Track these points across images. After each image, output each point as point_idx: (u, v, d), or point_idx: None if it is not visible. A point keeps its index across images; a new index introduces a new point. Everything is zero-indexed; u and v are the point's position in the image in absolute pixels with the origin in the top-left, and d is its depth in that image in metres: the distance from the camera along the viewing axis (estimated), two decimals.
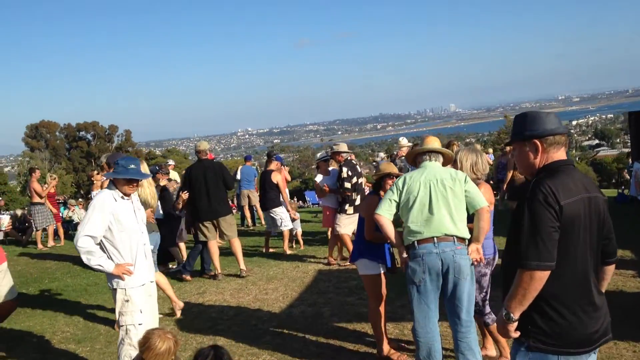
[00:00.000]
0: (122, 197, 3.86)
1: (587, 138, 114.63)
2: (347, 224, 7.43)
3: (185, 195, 7.45)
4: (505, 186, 9.13)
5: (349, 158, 7.82)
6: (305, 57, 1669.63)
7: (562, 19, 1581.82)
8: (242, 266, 7.48)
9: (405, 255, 3.74)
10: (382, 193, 4.33)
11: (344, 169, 7.55)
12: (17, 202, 35.97)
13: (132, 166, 3.81)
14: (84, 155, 59.14)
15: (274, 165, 9.14)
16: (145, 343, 2.79)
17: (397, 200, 3.79)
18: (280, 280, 7.14)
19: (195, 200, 7.37)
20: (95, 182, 9.27)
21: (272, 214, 8.92)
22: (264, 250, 9.30)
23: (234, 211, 16.00)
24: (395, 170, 4.59)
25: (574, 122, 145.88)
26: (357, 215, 7.21)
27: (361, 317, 5.27)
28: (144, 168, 6.87)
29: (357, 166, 7.85)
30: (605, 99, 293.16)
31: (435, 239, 3.59)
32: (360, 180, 7.63)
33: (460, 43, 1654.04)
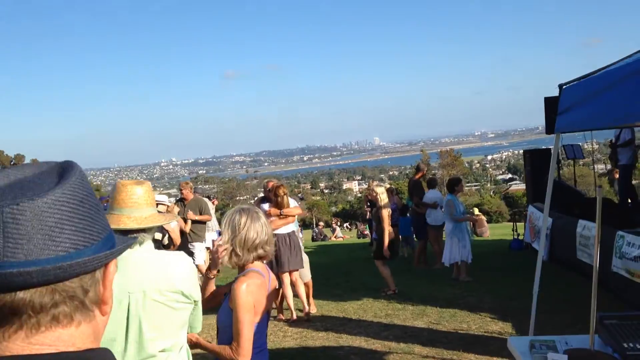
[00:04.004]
0: None
1: (501, 172, 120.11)
2: None
3: None
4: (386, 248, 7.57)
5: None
6: (232, 88, 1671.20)
7: (480, 58, 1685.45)
8: None
9: None
10: None
11: None
12: None
13: None
14: None
15: None
16: None
17: None
18: None
19: None
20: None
21: None
22: None
23: None
24: None
25: (489, 157, 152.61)
26: None
27: None
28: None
29: None
30: (518, 135, 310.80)
31: None
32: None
33: (384, 77, 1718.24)
